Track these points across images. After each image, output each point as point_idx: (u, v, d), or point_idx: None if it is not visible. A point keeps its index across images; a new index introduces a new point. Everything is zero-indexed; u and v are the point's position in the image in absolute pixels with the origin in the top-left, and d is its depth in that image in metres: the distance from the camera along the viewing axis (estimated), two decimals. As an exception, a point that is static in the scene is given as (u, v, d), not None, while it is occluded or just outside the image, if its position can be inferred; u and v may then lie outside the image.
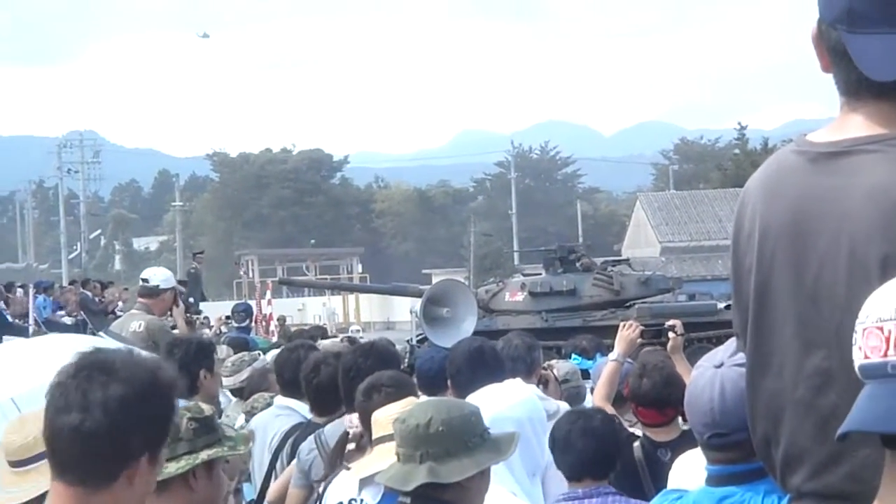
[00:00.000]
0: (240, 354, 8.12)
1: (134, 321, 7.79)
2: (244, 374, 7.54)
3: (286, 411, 5.95)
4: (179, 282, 22.33)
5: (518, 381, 4.97)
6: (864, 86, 2.19)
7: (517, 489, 4.22)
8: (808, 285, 2.23)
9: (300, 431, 5.52)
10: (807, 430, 2.25)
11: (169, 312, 8.61)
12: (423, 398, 4.34)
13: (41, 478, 3.42)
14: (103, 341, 6.12)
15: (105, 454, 2.25)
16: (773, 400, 2.33)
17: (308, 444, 5.09)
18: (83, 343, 4.07)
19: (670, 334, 6.62)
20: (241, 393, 7.46)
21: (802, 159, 2.27)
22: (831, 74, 2.26)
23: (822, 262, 2.20)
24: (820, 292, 2.20)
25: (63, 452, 2.28)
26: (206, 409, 3.48)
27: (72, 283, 26.02)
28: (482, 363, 5.25)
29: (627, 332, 6.27)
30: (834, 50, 2.22)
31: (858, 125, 2.21)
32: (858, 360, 1.67)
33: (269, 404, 6.27)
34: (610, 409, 5.65)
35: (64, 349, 4.00)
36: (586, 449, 4.34)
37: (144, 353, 2.48)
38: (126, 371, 2.28)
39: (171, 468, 3.21)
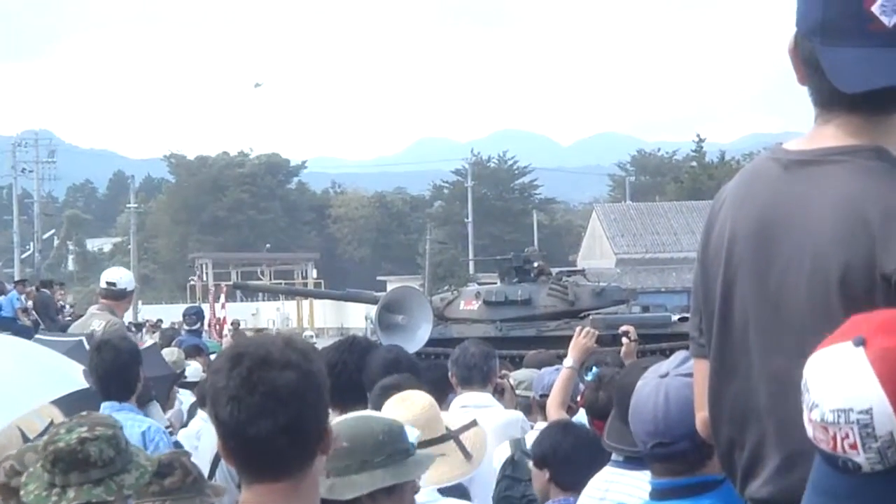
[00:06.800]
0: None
1: (95, 321, 7.68)
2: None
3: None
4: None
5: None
6: (837, 98, 2.22)
7: None
8: (772, 291, 2.25)
9: None
10: (768, 436, 2.27)
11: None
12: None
13: None
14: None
15: None
16: (738, 405, 2.33)
17: None
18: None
19: (624, 340, 6.59)
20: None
21: (776, 166, 2.31)
22: (806, 87, 2.30)
23: (785, 269, 2.23)
24: (782, 299, 2.22)
25: None
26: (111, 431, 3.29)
27: (19, 282, 25.14)
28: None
29: (582, 340, 6.11)
30: (808, 62, 2.26)
31: (829, 136, 2.25)
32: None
33: None
34: (565, 417, 5.55)
35: None
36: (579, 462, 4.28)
37: None
38: None
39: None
